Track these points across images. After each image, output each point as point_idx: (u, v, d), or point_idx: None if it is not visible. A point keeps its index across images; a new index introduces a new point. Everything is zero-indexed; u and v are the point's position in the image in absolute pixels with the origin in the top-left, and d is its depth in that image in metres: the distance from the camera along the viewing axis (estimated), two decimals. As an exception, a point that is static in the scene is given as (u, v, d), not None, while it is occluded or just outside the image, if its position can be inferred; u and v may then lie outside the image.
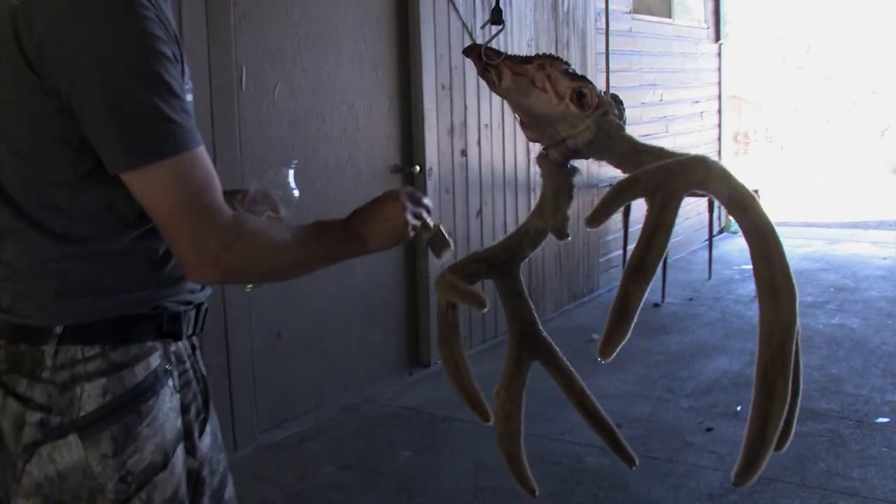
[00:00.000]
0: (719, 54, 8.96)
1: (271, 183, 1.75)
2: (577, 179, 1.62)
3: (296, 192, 1.78)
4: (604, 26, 6.63)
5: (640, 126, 7.25)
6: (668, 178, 1.40)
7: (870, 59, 18.89)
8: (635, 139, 1.58)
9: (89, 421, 1.43)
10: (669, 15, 7.85)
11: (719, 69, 8.98)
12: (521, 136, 2.48)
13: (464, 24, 5.12)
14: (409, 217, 1.64)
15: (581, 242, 6.47)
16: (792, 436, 1.36)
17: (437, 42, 4.93)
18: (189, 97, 1.43)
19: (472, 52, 1.63)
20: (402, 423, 4.33)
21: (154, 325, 1.50)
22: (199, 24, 3.60)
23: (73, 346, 1.43)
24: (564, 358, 1.62)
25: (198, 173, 1.37)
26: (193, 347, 1.64)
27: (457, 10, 5.06)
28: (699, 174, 1.42)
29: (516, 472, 1.61)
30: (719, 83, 9.00)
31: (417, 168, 4.88)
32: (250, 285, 1.83)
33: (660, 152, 1.59)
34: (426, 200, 1.72)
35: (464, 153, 5.20)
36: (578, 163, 1.63)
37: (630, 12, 7.10)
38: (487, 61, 1.61)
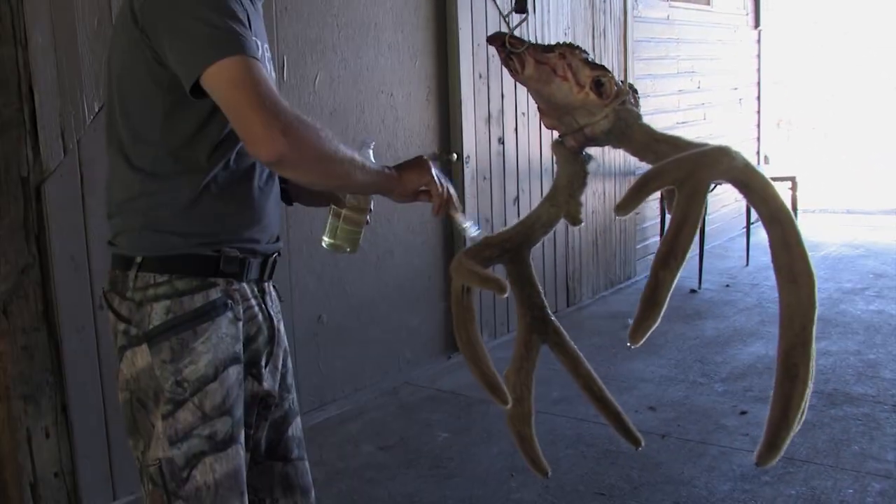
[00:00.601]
0: (759, 41, 8.92)
1: None
2: (591, 167, 1.68)
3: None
4: (642, 14, 6.66)
5: (678, 113, 7.27)
6: (694, 168, 1.46)
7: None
8: (653, 128, 1.64)
9: (155, 333, 1.76)
10: (708, 2, 7.85)
11: (759, 56, 8.94)
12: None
13: (500, 13, 5.18)
14: (437, 177, 1.92)
15: (618, 229, 6.52)
16: (804, 416, 1.40)
17: (474, 31, 5.00)
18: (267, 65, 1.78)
19: (497, 40, 1.69)
20: (439, 405, 4.43)
21: (215, 264, 1.80)
22: (241, 18, 3.69)
23: (148, 273, 1.78)
24: (572, 342, 1.68)
25: (262, 73, 1.61)
26: (263, 292, 1.93)
27: (494, 0, 5.12)
28: (724, 164, 1.48)
29: (528, 452, 1.67)
30: (759, 70, 8.97)
31: (455, 156, 4.96)
32: (329, 240, 2.04)
33: (677, 141, 1.65)
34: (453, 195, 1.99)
35: (501, 141, 5.27)
36: (595, 151, 1.70)
37: (667, 0, 7.11)
38: (511, 49, 1.67)
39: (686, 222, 1.41)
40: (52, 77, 3.07)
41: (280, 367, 2.00)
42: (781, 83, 16.89)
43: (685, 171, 1.46)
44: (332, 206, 2.02)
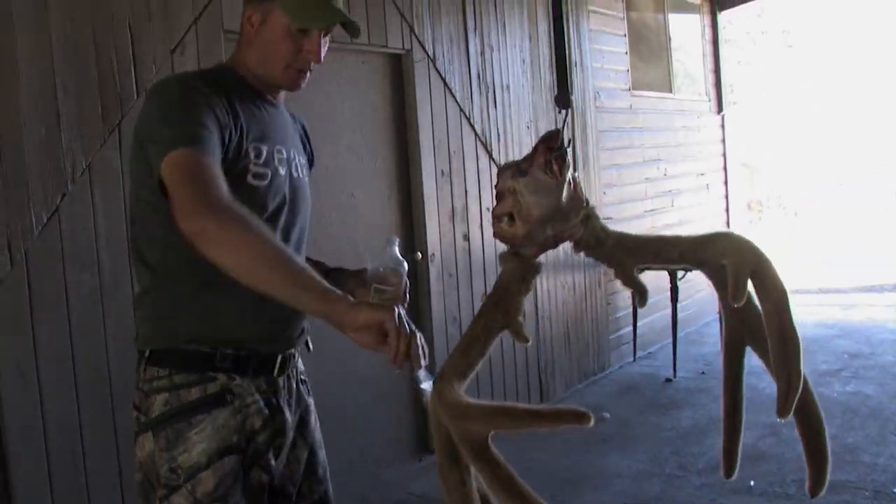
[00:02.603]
0: (723, 125, 9.02)
1: (384, 260, 2.03)
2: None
3: (405, 264, 2.04)
4: (605, 104, 6.72)
5: (646, 202, 7.29)
6: (757, 259, 1.47)
7: (881, 123, 18.96)
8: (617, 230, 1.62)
9: (155, 423, 1.90)
10: (670, 90, 7.94)
11: (723, 140, 9.03)
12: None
13: (461, 110, 5.20)
14: (394, 326, 1.65)
15: (590, 319, 6.46)
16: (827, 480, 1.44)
17: (434, 128, 5.01)
18: (263, 170, 1.94)
19: (555, 138, 1.58)
20: (410, 511, 4.30)
21: (210, 360, 1.91)
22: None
23: (152, 366, 1.93)
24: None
25: (205, 162, 1.75)
26: (275, 386, 2.01)
27: (454, 96, 5.14)
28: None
29: None
30: (724, 154, 9.04)
31: (419, 254, 4.91)
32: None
33: (665, 238, 1.64)
34: (419, 341, 1.72)
35: (466, 237, 5.24)
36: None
37: (629, 89, 7.18)
38: (560, 149, 1.59)
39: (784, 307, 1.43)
40: (-4, 188, 3.02)
41: (302, 459, 2.12)
42: (750, 165, 17.10)
43: (753, 261, 1.46)
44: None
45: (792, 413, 1.41)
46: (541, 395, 5.86)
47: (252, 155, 1.94)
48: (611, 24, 6.98)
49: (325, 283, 1.70)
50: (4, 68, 3.06)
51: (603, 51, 6.78)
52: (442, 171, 5.08)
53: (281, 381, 2.03)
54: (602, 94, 6.72)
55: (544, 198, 1.56)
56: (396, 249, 2.04)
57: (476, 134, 5.33)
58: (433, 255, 4.96)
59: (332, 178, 4.48)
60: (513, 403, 1.42)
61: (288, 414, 2.04)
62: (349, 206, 4.57)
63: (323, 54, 2.04)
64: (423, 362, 1.73)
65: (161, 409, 1.91)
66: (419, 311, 4.94)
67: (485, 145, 5.39)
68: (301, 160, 2.15)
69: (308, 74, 2.07)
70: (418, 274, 4.94)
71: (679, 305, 6.43)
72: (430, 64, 4.98)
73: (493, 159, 5.44)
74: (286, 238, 2.04)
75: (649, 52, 7.68)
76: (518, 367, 5.62)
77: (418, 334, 1.73)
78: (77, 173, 3.21)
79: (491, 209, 1.67)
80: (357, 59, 4.64)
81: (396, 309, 1.69)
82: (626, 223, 6.94)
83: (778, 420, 1.43)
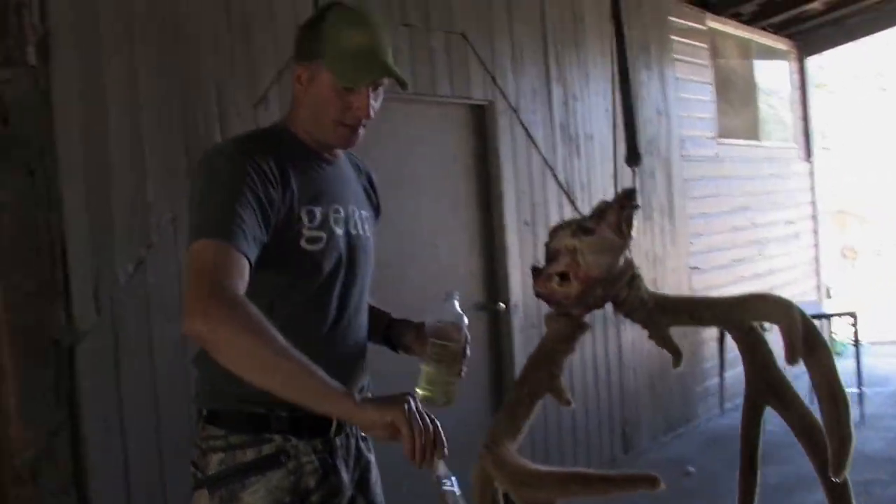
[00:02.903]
0: (812, 172, 8.85)
1: (443, 314, 1.99)
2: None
3: (465, 319, 2.00)
4: (690, 153, 6.65)
5: (733, 251, 7.17)
6: (804, 320, 1.47)
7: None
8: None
9: (211, 481, 1.92)
10: (758, 137, 7.83)
11: (813, 187, 8.86)
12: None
13: (544, 160, 5.20)
14: (406, 422, 1.67)
15: (676, 371, 6.33)
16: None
17: (517, 178, 5.01)
18: (317, 233, 1.94)
19: (630, 198, 1.56)
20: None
21: (265, 422, 1.92)
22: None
23: (210, 425, 1.95)
24: None
25: (221, 258, 1.73)
26: (331, 446, 1.99)
27: (537, 146, 5.14)
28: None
29: None
30: (814, 201, 8.86)
31: (502, 305, 4.89)
32: (421, 391, 1.95)
33: (708, 300, 1.61)
34: (439, 438, 1.73)
35: (549, 287, 5.19)
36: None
37: (715, 137, 7.10)
38: (633, 208, 1.56)
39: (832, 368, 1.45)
40: (86, 239, 3.09)
41: None
42: (844, 211, 16.71)
43: (801, 321, 1.46)
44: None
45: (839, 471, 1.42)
46: (624, 446, 5.76)
47: (305, 219, 1.94)
48: (696, 71, 6.92)
49: (328, 381, 1.69)
50: (96, 123, 3.16)
51: (688, 99, 6.73)
52: (525, 222, 5.07)
53: (338, 440, 2.02)
54: (688, 142, 6.65)
55: (606, 258, 1.53)
56: (457, 303, 2.00)
57: (559, 184, 5.32)
58: (516, 305, 4.93)
59: (414, 227, 4.50)
60: (583, 469, 1.40)
61: (344, 474, 2.02)
62: (431, 257, 4.58)
63: (375, 108, 2.01)
64: (444, 452, 1.72)
65: (216, 468, 1.92)
66: (501, 361, 4.91)
67: (568, 195, 5.38)
68: (363, 214, 2.13)
69: (361, 130, 2.03)
70: (501, 324, 4.92)
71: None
72: (513, 114, 4.99)
73: (577, 209, 5.41)
74: (345, 298, 2.03)
75: (736, 99, 7.61)
76: (601, 417, 5.54)
77: (436, 423, 1.72)
78: (162, 225, 3.28)
79: (535, 267, 1.63)
80: (439, 110, 4.67)
81: (408, 403, 1.70)
82: (713, 273, 6.84)
83: (834, 479, 1.43)
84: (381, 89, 2.02)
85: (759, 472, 1.59)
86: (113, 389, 3.16)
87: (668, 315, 1.58)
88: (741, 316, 1.54)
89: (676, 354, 1.58)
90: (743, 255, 7.31)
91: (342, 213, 2.03)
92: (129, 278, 3.19)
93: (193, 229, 1.81)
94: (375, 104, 2.01)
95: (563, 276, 1.54)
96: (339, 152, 2.12)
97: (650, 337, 1.59)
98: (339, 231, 2.01)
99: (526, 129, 5.07)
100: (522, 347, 4.95)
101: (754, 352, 1.53)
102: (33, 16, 2.99)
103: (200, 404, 2.00)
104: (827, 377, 1.45)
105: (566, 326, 1.56)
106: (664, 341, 1.59)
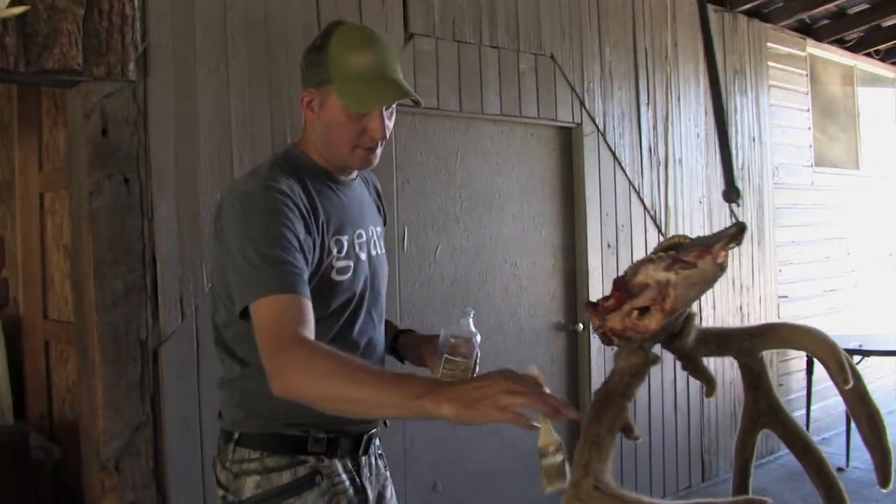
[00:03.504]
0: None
1: (457, 331, 1.99)
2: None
3: (477, 337, 2.00)
4: (783, 180, 6.57)
5: (825, 281, 7.04)
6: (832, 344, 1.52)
7: None
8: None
9: None
10: (857, 166, 7.67)
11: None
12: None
13: (630, 183, 5.21)
14: (508, 397, 1.47)
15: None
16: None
17: (602, 200, 5.04)
18: (346, 262, 1.97)
19: (741, 234, 1.50)
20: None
21: (304, 444, 1.94)
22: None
23: (244, 448, 1.96)
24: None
25: (281, 309, 1.73)
26: (358, 465, 2.04)
27: (623, 169, 5.16)
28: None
29: None
30: (917, 234, 8.62)
31: (581, 326, 4.92)
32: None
33: (732, 331, 1.64)
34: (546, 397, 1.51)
35: (630, 310, 5.19)
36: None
37: (811, 165, 6.99)
38: (740, 243, 1.58)
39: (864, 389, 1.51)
40: (174, 246, 3.26)
41: None
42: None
43: (834, 346, 1.51)
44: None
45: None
46: (702, 474, 5.71)
47: (335, 250, 1.95)
48: (794, 98, 6.83)
49: (409, 381, 1.57)
50: (188, 135, 3.32)
51: (784, 126, 6.65)
52: (608, 244, 5.09)
53: (364, 459, 2.06)
54: (781, 169, 6.57)
55: (694, 292, 1.51)
56: (471, 322, 2.00)
57: (645, 207, 5.32)
58: (595, 326, 4.94)
59: (496, 247, 4.57)
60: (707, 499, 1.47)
61: (370, 491, 2.06)
62: (511, 276, 4.64)
63: (390, 127, 1.98)
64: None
65: (252, 491, 1.93)
66: (579, 383, 4.94)
67: (654, 219, 5.37)
68: (377, 230, 2.16)
69: (379, 150, 2.00)
70: (579, 345, 4.95)
71: (858, 391, 6.13)
72: (600, 136, 5.02)
73: (663, 233, 5.41)
74: (368, 323, 2.05)
75: (836, 126, 7.47)
76: (680, 444, 5.51)
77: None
78: (248, 235, 3.41)
79: (604, 300, 1.64)
80: (526, 131, 4.74)
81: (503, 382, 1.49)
82: (804, 302, 6.73)
83: (882, 491, 1.51)
84: (393, 108, 2.00)
85: (750, 490, 1.63)
86: (193, 390, 3.30)
87: (699, 346, 1.61)
88: (764, 345, 1.58)
89: (710, 383, 1.61)
90: (836, 286, 7.17)
91: (364, 237, 2.06)
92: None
93: (245, 287, 1.78)
94: (390, 123, 1.99)
95: (643, 311, 1.52)
96: (355, 172, 2.11)
97: (683, 368, 1.62)
98: (363, 256, 2.04)
99: (613, 152, 5.10)
100: (599, 368, 4.97)
101: (760, 378, 1.59)
102: (135, 34, 3.17)
103: (231, 427, 2.00)
104: (862, 398, 1.51)
105: (640, 360, 1.51)
106: (698, 371, 1.61)
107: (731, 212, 5.94)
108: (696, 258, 1.51)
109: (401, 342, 2.28)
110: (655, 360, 1.57)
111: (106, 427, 3.13)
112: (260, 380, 1.81)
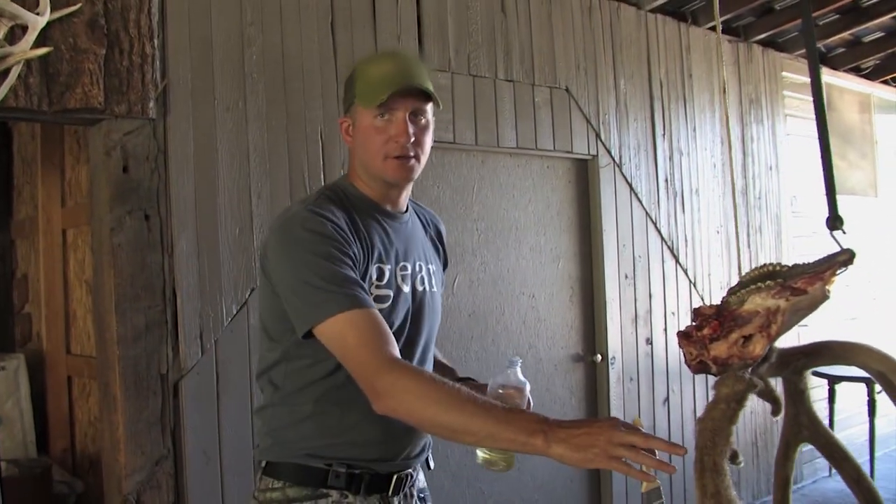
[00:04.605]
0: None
1: (504, 380, 1.95)
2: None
3: (527, 387, 1.96)
4: (801, 209, 6.56)
5: (847, 308, 7.00)
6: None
7: None
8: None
9: None
10: (875, 193, 7.65)
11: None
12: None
13: (647, 214, 5.23)
14: (616, 448, 1.52)
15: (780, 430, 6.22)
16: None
17: (619, 231, 5.05)
18: (385, 291, 1.96)
19: (851, 261, 1.63)
20: None
21: (323, 477, 1.92)
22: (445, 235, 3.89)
23: (269, 477, 1.97)
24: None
25: (360, 325, 1.76)
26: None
27: (639, 200, 5.18)
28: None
29: None
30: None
31: (599, 357, 4.93)
32: (483, 454, 1.91)
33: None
34: (653, 444, 1.55)
35: (648, 342, 5.20)
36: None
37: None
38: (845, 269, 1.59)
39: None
40: (195, 281, 3.30)
41: None
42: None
43: None
44: None
45: None
46: (725, 506, 5.66)
47: (374, 276, 1.94)
48: (811, 127, 6.82)
49: (522, 428, 1.59)
50: (207, 172, 3.37)
51: (801, 155, 6.65)
52: (625, 275, 5.10)
53: (396, 500, 2.01)
54: (799, 198, 6.56)
55: (798, 318, 1.57)
56: (519, 371, 1.95)
57: (662, 238, 5.33)
58: (613, 358, 4.96)
59: (514, 279, 4.59)
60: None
61: None
62: (529, 308, 4.66)
63: (421, 139, 1.98)
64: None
65: None
66: (598, 415, 4.93)
67: (671, 249, 5.38)
68: (431, 268, 2.15)
69: (413, 162, 1.98)
70: (598, 377, 4.95)
71: (881, 421, 6.10)
72: (616, 168, 5.05)
73: (680, 264, 5.41)
74: (410, 354, 2.03)
75: (854, 154, 7.46)
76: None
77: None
78: (267, 270, 3.45)
79: (676, 313, 1.69)
80: (542, 164, 4.77)
81: (612, 431, 1.54)
82: (825, 330, 6.69)
83: None
84: (424, 119, 1.99)
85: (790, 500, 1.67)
86: (213, 423, 3.33)
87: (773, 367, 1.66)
88: (824, 362, 1.64)
89: (777, 403, 1.65)
90: (857, 314, 7.13)
91: (409, 270, 2.05)
92: (232, 320, 3.37)
93: (312, 307, 1.79)
94: (425, 136, 1.99)
95: (747, 338, 1.57)
96: (405, 201, 2.11)
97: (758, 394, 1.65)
98: (406, 289, 2.02)
99: (629, 183, 5.12)
100: (619, 399, 4.96)
101: (802, 394, 1.70)
102: (155, 73, 3.22)
103: (260, 456, 2.02)
104: None
105: (744, 386, 1.57)
106: (766, 392, 1.64)
107: (738, 245, 5.94)
108: (807, 284, 1.54)
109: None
110: (757, 384, 1.61)
111: (127, 461, 3.15)
112: (288, 407, 1.96)
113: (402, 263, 2.03)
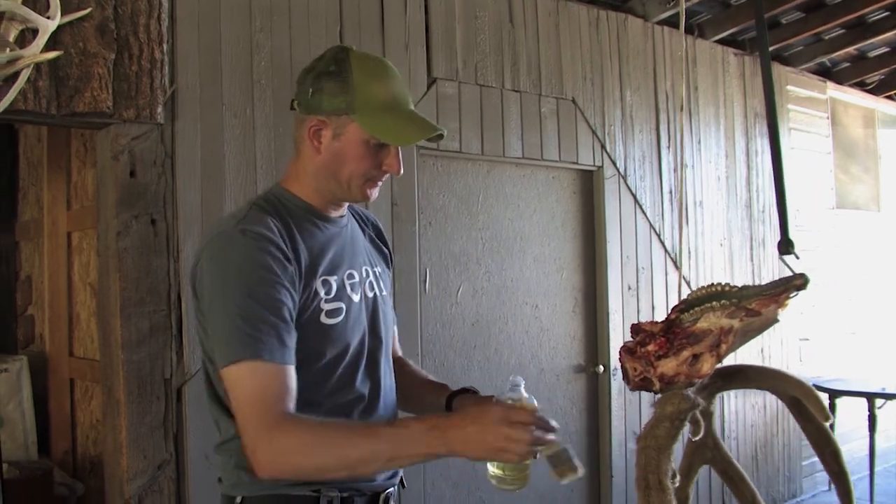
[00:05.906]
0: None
1: (513, 398, 1.88)
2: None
3: (535, 401, 1.89)
4: (804, 223, 6.57)
5: (848, 323, 7.01)
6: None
7: None
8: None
9: None
10: (878, 208, 7.66)
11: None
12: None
13: (651, 226, 5.23)
14: (513, 430, 1.63)
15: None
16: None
17: (623, 243, 5.06)
18: (336, 304, 1.86)
19: (804, 286, 1.62)
20: None
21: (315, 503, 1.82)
22: (385, 230, 3.89)
23: None
24: None
25: (258, 378, 1.69)
26: None
27: (644, 212, 5.18)
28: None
29: None
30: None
31: (602, 368, 4.93)
32: (495, 471, 1.86)
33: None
34: (551, 422, 1.70)
35: (650, 352, 5.19)
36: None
37: (833, 208, 6.99)
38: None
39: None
40: (200, 287, 3.30)
41: None
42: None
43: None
44: None
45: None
46: (725, 519, 5.67)
47: (322, 292, 1.85)
48: (815, 141, 6.85)
49: (413, 430, 1.66)
50: (214, 177, 3.38)
51: (805, 169, 6.66)
52: (629, 286, 5.10)
53: None
54: (803, 211, 6.57)
55: (746, 339, 1.59)
56: (523, 391, 1.87)
57: (666, 250, 5.34)
58: (615, 369, 4.96)
59: (517, 289, 4.59)
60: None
61: None
62: (532, 318, 4.66)
63: (400, 161, 1.93)
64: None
65: None
66: (599, 425, 4.93)
67: (675, 262, 5.39)
68: (377, 271, 2.07)
69: (381, 183, 1.95)
70: (599, 388, 4.95)
71: (882, 435, 6.09)
72: (621, 180, 5.06)
73: (684, 276, 5.42)
74: (374, 362, 1.98)
75: (858, 168, 7.47)
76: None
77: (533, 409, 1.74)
78: (272, 276, 3.46)
79: (637, 345, 1.68)
80: (547, 175, 4.78)
81: (498, 417, 1.66)
82: (826, 344, 6.70)
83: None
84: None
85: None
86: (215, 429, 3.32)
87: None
88: (737, 386, 1.69)
89: (698, 425, 1.68)
90: (858, 328, 7.14)
91: (357, 278, 1.97)
92: (237, 324, 3.37)
93: (224, 345, 1.72)
94: (400, 157, 1.95)
95: (695, 357, 1.59)
96: (345, 208, 2.04)
97: None
98: (357, 298, 1.94)
99: (633, 195, 5.13)
100: (620, 411, 4.97)
101: (711, 416, 1.78)
102: (163, 78, 3.24)
103: (231, 491, 1.89)
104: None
105: (688, 405, 1.60)
106: (692, 413, 1.70)
107: (742, 257, 5.95)
108: (761, 306, 1.55)
109: (454, 406, 2.09)
110: (700, 404, 1.61)
111: (130, 464, 3.16)
112: None
113: (348, 272, 1.95)
